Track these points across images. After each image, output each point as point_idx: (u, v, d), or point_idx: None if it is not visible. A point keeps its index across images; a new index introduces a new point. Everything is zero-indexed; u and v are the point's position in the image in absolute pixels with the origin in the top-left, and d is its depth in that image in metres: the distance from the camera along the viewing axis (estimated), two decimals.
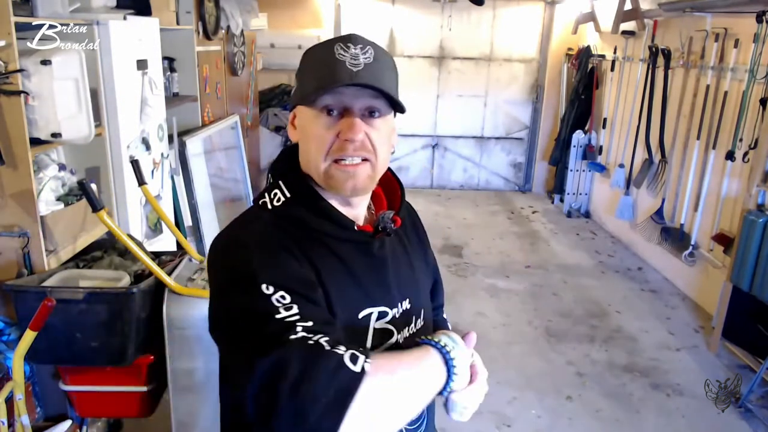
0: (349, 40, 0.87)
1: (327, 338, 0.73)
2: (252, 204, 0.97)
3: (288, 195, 0.92)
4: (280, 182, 0.94)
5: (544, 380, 3.07)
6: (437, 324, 1.17)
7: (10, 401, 1.78)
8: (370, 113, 0.88)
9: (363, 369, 0.71)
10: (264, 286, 0.78)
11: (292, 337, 0.72)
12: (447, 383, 0.82)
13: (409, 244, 1.07)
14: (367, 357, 0.73)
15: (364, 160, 0.89)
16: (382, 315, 0.94)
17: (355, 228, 0.92)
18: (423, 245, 1.13)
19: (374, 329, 0.93)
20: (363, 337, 0.92)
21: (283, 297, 0.77)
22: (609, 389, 3.01)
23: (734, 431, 2.72)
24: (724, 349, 3.36)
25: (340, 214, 0.92)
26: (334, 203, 0.94)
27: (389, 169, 1.04)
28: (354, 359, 0.71)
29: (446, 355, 0.82)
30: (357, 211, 0.97)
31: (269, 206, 0.92)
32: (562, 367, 3.21)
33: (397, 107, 0.91)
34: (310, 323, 0.75)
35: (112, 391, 1.94)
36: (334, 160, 0.88)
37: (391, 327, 0.95)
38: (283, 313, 0.76)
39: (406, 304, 0.99)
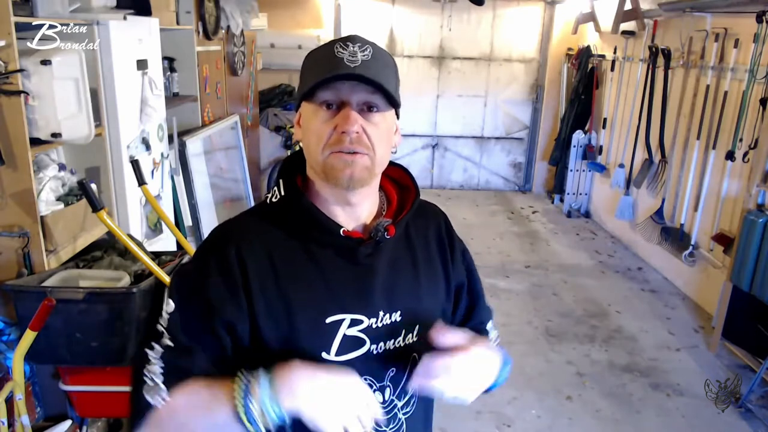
0: (349, 39, 0.89)
1: (173, 364, 0.86)
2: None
3: (282, 193, 0.96)
4: (281, 181, 0.97)
5: (544, 380, 3.07)
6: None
7: (10, 401, 1.78)
8: (368, 108, 0.89)
9: (152, 404, 0.84)
10: (167, 303, 0.91)
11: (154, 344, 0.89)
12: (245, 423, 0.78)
13: (422, 255, 1.02)
14: (166, 394, 0.84)
15: (362, 153, 0.89)
16: (355, 323, 0.93)
17: (341, 233, 0.92)
18: (445, 260, 1.05)
19: (344, 336, 0.92)
20: (328, 343, 0.91)
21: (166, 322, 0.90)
22: (609, 389, 3.01)
23: (734, 431, 2.72)
24: (724, 349, 3.36)
25: (327, 218, 0.92)
26: (332, 205, 0.94)
27: (409, 174, 1.04)
28: (156, 392, 0.84)
29: (245, 404, 0.78)
30: (358, 211, 0.96)
31: (267, 202, 0.98)
32: (562, 367, 3.21)
33: (393, 102, 0.91)
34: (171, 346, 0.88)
35: (112, 391, 1.94)
36: (331, 152, 0.88)
37: (363, 336, 0.93)
38: (160, 326, 0.90)
39: (395, 317, 0.96)
